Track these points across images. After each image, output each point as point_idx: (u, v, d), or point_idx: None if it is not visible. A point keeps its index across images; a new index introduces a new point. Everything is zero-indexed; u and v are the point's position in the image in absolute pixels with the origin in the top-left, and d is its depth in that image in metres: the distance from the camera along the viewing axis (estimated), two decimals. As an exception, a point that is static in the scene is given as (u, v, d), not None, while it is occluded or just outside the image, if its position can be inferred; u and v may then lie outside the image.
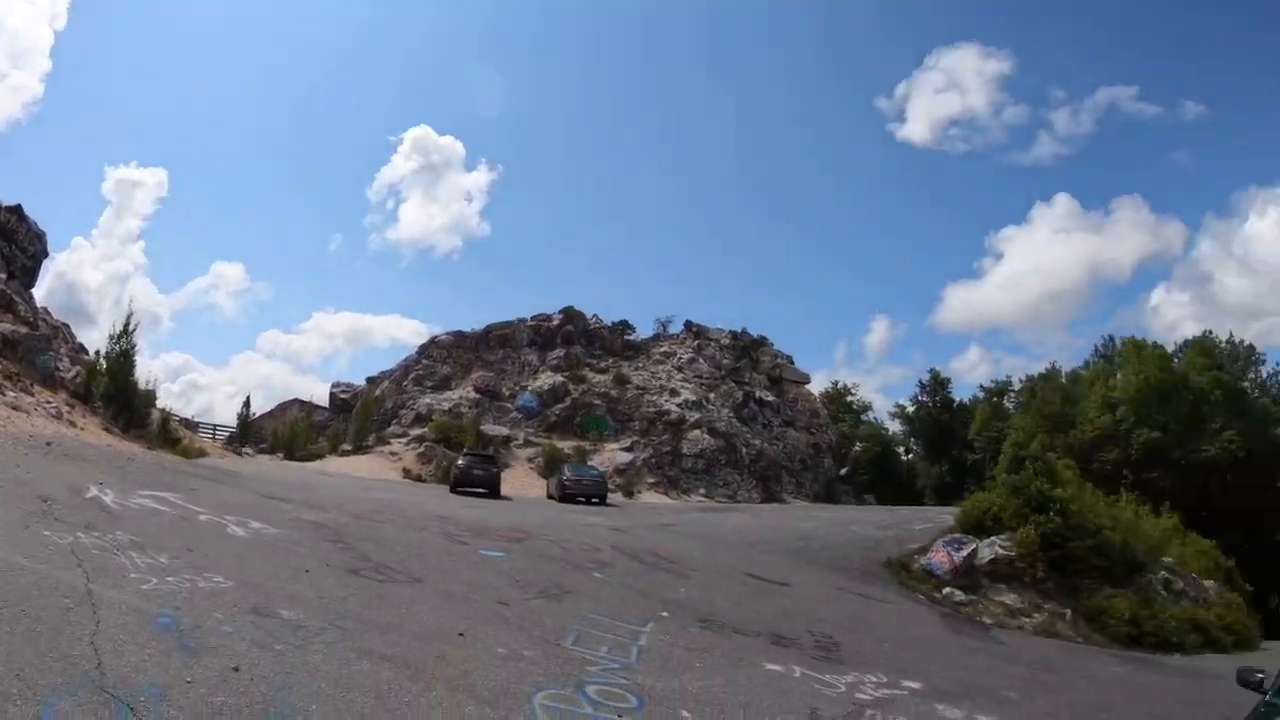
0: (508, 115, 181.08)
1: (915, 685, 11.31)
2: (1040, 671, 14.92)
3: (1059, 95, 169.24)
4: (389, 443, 47.13)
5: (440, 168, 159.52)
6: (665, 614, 13.14)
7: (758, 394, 59.21)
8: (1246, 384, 65.87)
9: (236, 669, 6.94)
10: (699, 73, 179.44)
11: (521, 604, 11.91)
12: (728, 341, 62.91)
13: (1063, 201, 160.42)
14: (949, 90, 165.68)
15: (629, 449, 48.99)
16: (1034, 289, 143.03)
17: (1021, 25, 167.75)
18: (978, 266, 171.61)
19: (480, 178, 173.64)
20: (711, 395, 56.51)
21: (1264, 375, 68.27)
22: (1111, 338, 76.07)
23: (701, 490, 48.28)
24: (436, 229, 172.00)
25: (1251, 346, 69.58)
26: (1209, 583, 30.13)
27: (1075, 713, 11.99)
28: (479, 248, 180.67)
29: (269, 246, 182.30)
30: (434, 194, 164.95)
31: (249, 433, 45.32)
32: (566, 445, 47.62)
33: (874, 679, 11.25)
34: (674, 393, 55.14)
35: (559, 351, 57.92)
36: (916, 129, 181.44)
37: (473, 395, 52.85)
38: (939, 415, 77.73)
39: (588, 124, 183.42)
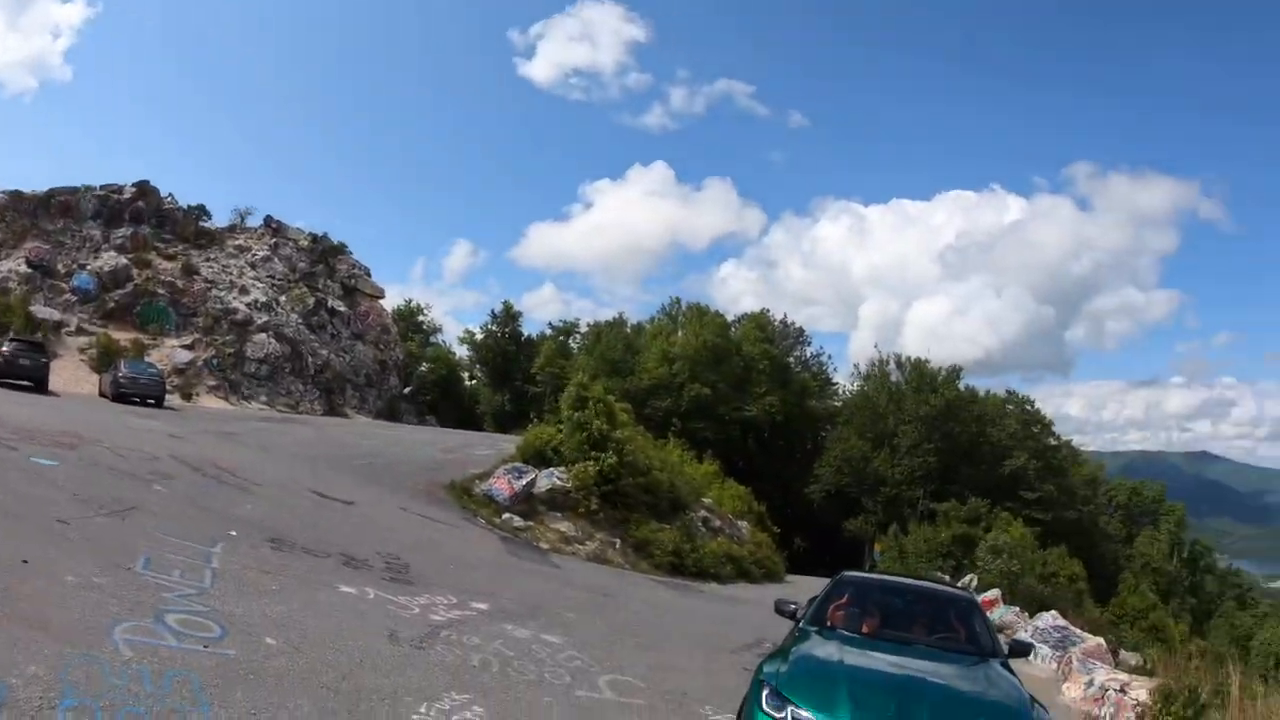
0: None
1: (484, 606, 11.75)
2: (596, 595, 15.98)
3: (683, 74, 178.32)
4: (-81, 319, 40.80)
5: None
6: (234, 533, 12.75)
7: (330, 303, 57.45)
8: (792, 360, 74.31)
9: None
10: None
11: (84, 522, 11.03)
12: (306, 244, 60.02)
13: (660, 169, 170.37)
14: (583, 41, 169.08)
15: (190, 347, 45.85)
16: (615, 242, 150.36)
17: (671, 1, 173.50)
18: (567, 211, 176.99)
19: (73, 12, 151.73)
20: (283, 298, 53.88)
21: (808, 355, 77.49)
22: (678, 299, 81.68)
23: (263, 398, 46.45)
24: (10, 64, 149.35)
25: (801, 329, 78.41)
26: (743, 523, 33.67)
27: (630, 631, 12.93)
28: (57, 95, 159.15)
29: None
30: (16, 21, 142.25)
31: None
32: (124, 337, 43.46)
33: (445, 600, 11.58)
34: (244, 290, 51.92)
35: (126, 230, 51.73)
36: (541, 69, 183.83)
37: (24, 269, 46.02)
38: (506, 346, 78.98)
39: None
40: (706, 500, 31.91)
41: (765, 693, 7.12)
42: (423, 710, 7.17)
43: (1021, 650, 9.99)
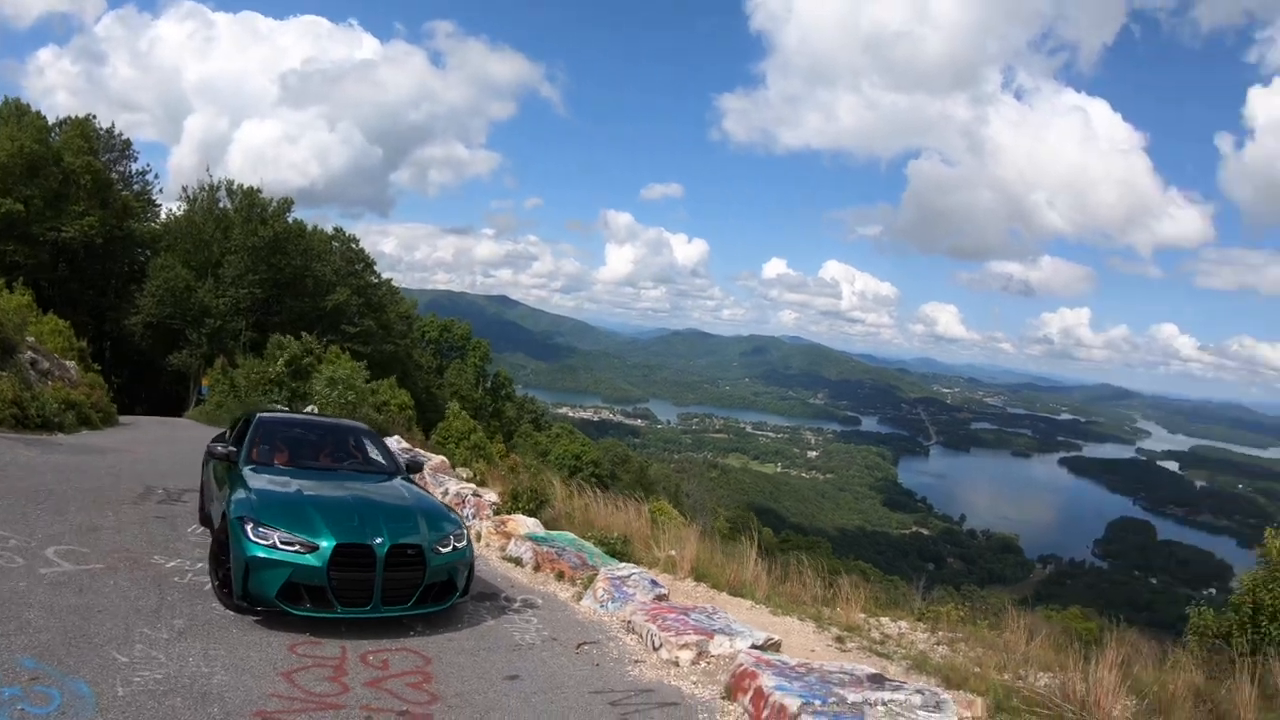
0: None
1: None
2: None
3: None
4: None
5: None
6: None
7: None
8: (116, 175, 67.22)
9: None
10: None
11: None
12: None
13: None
14: None
15: None
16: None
17: None
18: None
19: None
20: None
21: (132, 170, 70.42)
22: (-9, 90, 69.20)
23: None
24: None
25: (129, 141, 70.31)
26: (70, 363, 31.17)
27: (29, 499, 12.24)
28: None
29: None
30: None
31: None
32: None
33: None
34: None
35: None
36: None
37: None
38: None
39: None
40: (30, 339, 29.34)
41: (248, 527, 8.17)
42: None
43: (416, 467, 12.27)
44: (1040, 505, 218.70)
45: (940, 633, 12.36)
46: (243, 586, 8.04)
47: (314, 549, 8.08)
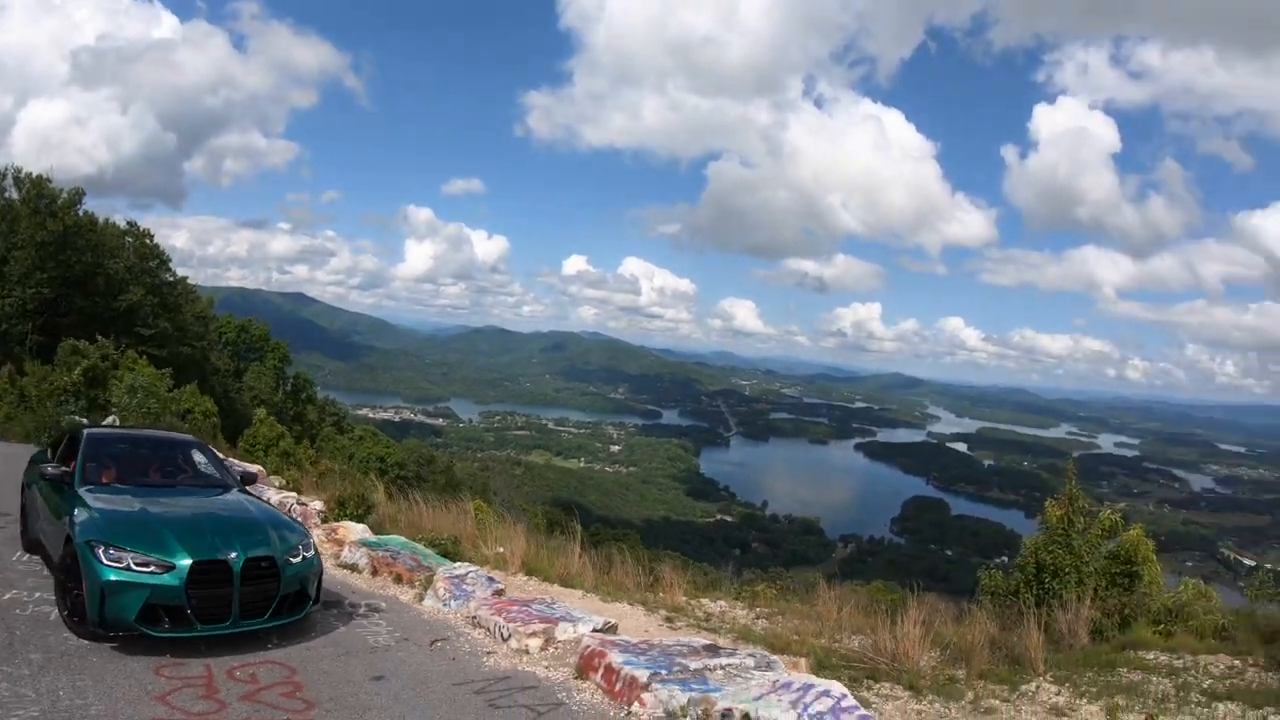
0: None
1: None
2: None
3: None
4: None
5: None
6: None
7: None
8: None
9: None
10: None
11: None
12: None
13: None
14: None
15: None
16: None
17: None
18: None
19: None
20: None
21: None
22: None
23: None
24: None
25: None
26: None
27: None
28: None
29: None
30: None
31: None
32: None
33: None
34: None
35: None
36: None
37: None
38: None
39: None
40: None
41: (100, 550, 8.01)
42: None
43: (250, 479, 12.23)
44: (839, 488, 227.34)
45: (758, 609, 13.38)
46: (99, 613, 7.85)
47: (170, 568, 8.02)
